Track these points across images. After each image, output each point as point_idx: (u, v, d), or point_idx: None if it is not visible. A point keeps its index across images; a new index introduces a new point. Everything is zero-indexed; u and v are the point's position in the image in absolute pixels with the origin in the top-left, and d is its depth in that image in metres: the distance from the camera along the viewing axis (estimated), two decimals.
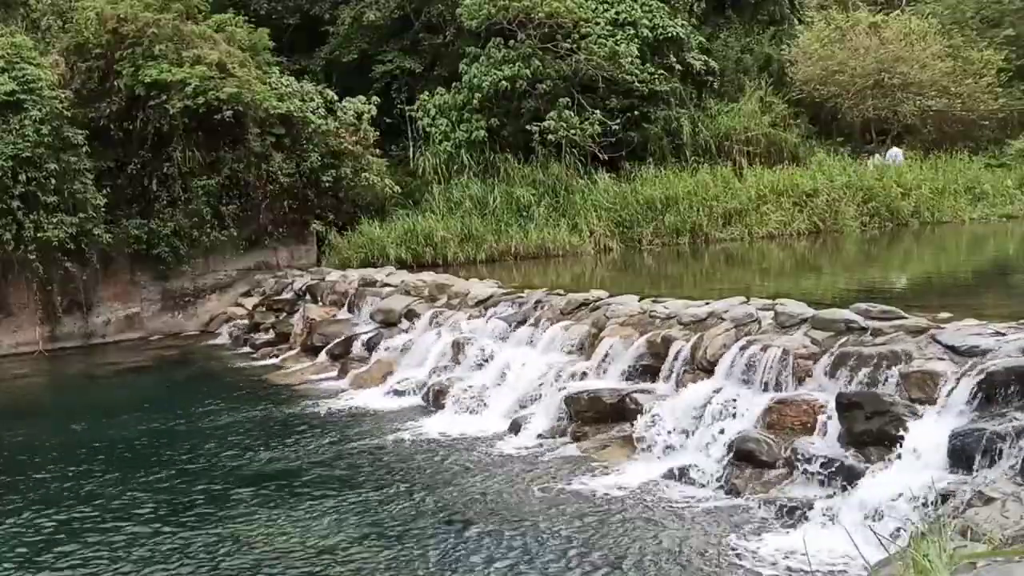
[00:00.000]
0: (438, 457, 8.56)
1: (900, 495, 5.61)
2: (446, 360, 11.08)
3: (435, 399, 10.36)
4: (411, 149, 20.74)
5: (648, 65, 20.36)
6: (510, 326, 10.95)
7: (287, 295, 16.35)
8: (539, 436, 8.77)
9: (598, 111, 19.59)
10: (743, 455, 7.03)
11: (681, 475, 7.31)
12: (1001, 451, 5.44)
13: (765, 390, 7.37)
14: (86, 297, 16.43)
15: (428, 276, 14.56)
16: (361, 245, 17.72)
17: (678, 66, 21.12)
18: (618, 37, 20.14)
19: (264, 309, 16.35)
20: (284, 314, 15.66)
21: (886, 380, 6.52)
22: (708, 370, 8.00)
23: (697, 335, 8.37)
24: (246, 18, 18.95)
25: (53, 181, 15.03)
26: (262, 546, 6.57)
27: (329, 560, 6.25)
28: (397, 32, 21.96)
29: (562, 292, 11.10)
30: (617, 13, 20.68)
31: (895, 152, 22.01)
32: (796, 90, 23.52)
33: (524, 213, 18.57)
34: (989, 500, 5.10)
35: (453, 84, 20.21)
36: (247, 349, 15.36)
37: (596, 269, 16.71)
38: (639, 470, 7.57)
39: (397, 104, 21.05)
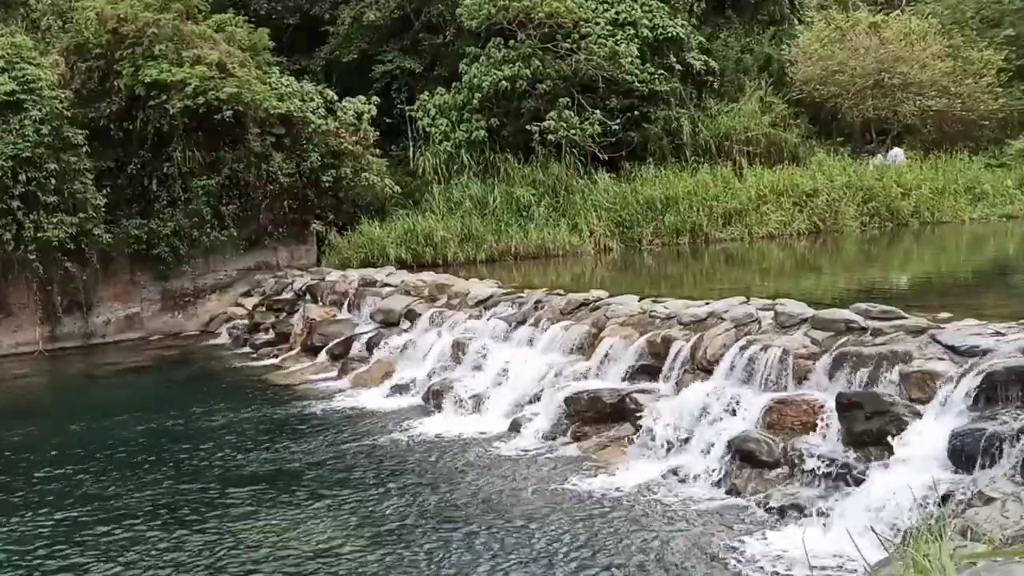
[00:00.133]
0: (438, 457, 8.56)
1: (900, 495, 5.60)
2: (446, 360, 11.09)
3: (435, 399, 10.36)
4: (411, 149, 20.75)
5: (648, 65, 20.37)
6: (510, 326, 10.94)
7: (287, 295, 16.35)
8: (539, 436, 8.77)
9: (598, 111, 19.60)
10: (743, 455, 7.02)
11: (681, 475, 7.30)
12: (1001, 451, 5.43)
13: (765, 390, 7.36)
14: (86, 297, 16.44)
15: (428, 276, 14.55)
16: (361, 245, 17.73)
17: (678, 66, 21.12)
18: (618, 37, 20.14)
19: (264, 309, 16.35)
20: (284, 314, 15.67)
21: (886, 380, 6.52)
22: (708, 370, 7.99)
23: (697, 335, 8.36)
24: (246, 18, 18.97)
25: (53, 181, 15.04)
26: (261, 546, 6.57)
27: (329, 560, 6.25)
28: (397, 32, 21.97)
29: (562, 292, 11.09)
30: (617, 13, 20.68)
31: (896, 152, 22.01)
32: (796, 90, 23.51)
33: (524, 213, 18.58)
34: (989, 500, 5.10)
35: (453, 84, 20.22)
36: (247, 349, 15.37)
37: (596, 269, 16.70)
38: (639, 470, 7.56)
39: (397, 104, 21.06)
